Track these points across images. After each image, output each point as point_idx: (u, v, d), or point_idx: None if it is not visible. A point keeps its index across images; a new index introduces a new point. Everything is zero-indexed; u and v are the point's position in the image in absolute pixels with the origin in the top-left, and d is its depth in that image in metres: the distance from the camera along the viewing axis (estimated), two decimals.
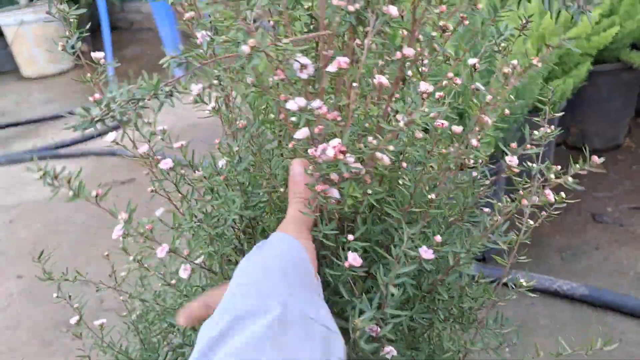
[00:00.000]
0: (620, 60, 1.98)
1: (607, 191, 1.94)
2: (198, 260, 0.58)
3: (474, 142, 0.56)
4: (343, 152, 0.37)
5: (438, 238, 0.50)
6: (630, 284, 1.54)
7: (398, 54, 0.46)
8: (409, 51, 0.45)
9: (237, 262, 0.60)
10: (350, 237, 0.46)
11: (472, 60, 0.68)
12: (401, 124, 0.36)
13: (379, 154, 0.40)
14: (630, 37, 1.91)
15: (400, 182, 0.56)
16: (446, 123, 0.53)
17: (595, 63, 1.97)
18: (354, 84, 0.43)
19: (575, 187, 0.56)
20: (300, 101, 0.37)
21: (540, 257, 1.67)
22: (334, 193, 0.42)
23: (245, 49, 0.34)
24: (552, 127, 0.70)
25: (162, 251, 0.58)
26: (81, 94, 4.10)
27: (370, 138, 0.40)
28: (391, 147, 0.39)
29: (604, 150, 2.18)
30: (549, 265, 1.63)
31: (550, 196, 0.56)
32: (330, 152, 0.36)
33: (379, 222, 0.56)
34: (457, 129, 0.61)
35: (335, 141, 0.37)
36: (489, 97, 0.59)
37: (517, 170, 0.59)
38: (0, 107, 4.05)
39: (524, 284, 0.64)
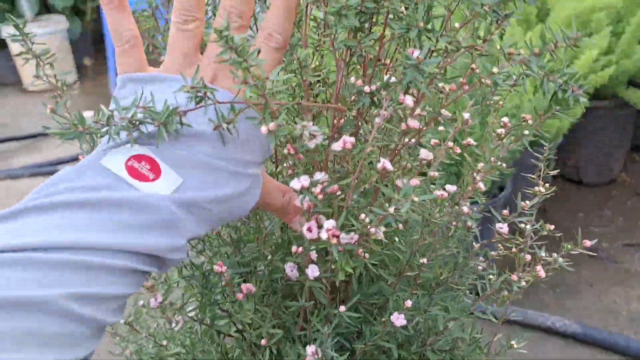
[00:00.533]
0: (617, 97, 2.00)
1: (602, 227, 1.95)
2: (191, 314, 0.59)
3: (465, 209, 0.57)
4: (337, 236, 0.38)
5: (408, 303, 0.50)
6: (623, 324, 1.54)
7: (403, 126, 0.47)
8: (413, 123, 0.46)
9: (228, 312, 0.61)
10: (342, 307, 0.47)
11: (465, 115, 0.70)
12: (391, 210, 0.37)
13: (372, 229, 0.42)
14: (626, 75, 1.93)
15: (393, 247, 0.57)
16: (445, 193, 0.54)
17: (592, 98, 1.99)
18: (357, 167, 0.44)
19: (567, 269, 0.57)
20: (305, 180, 0.37)
21: (533, 292, 1.67)
22: (313, 271, 0.42)
23: (264, 130, 0.35)
24: (547, 184, 0.71)
25: (154, 302, 0.58)
26: (84, 107, 4.12)
27: (362, 215, 0.42)
28: (383, 228, 0.40)
29: (599, 184, 2.19)
30: (542, 301, 1.64)
31: (542, 272, 0.56)
32: (324, 235, 0.37)
33: (372, 283, 0.57)
34: (451, 188, 0.62)
35: (330, 223, 0.38)
36: (480, 165, 0.60)
37: (506, 237, 0.60)
38: (0, 119, 4.07)
39: (515, 345, 0.65)
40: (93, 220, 0.34)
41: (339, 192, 0.41)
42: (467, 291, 0.63)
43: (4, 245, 0.32)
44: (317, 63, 0.59)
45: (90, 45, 5.03)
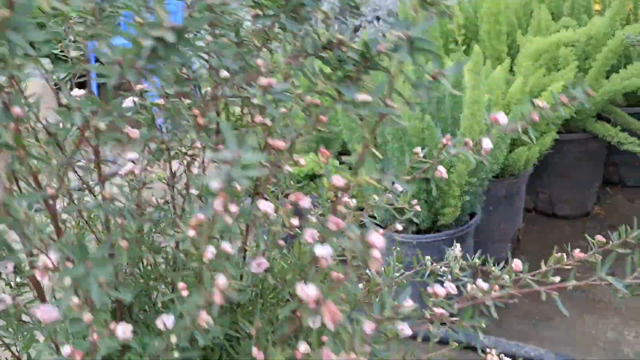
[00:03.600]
0: (586, 130, 2.05)
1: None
2: None
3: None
4: None
5: None
6: (599, 353, 1.53)
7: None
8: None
9: None
10: None
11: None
12: None
13: None
14: (595, 108, 1.98)
15: None
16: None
17: (562, 132, 2.04)
18: None
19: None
20: None
21: (508, 321, 1.66)
22: None
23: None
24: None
25: None
26: None
27: None
28: None
29: (573, 217, 2.21)
30: (517, 331, 1.62)
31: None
32: None
33: None
34: None
35: None
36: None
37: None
38: None
39: None
40: None
41: None
42: None
43: None
44: None
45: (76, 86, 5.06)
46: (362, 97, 0.56)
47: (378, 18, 2.69)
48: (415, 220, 1.48)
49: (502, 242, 1.93)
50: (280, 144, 0.63)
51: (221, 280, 0.44)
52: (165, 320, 0.48)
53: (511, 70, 1.95)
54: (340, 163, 1.76)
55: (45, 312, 0.51)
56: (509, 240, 1.95)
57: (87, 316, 0.47)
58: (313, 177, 1.80)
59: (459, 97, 1.48)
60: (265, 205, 0.55)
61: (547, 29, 2.17)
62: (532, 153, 1.70)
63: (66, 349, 0.49)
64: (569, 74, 1.81)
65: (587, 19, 2.26)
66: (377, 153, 0.61)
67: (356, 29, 2.66)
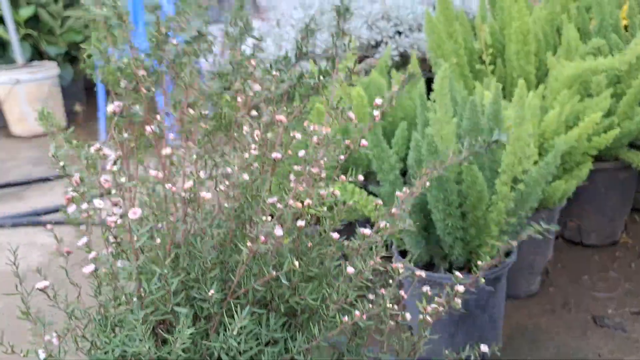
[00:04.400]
0: (618, 158, 1.98)
1: (607, 291, 1.89)
2: None
3: None
4: None
5: None
6: None
7: None
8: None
9: None
10: None
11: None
12: None
13: None
14: (628, 137, 1.91)
15: None
16: None
17: (594, 160, 1.96)
18: None
19: None
20: None
21: (541, 356, 1.59)
22: None
23: None
24: None
25: None
26: (72, 155, 4.05)
27: None
28: None
29: (601, 245, 2.14)
30: None
31: None
32: None
33: None
34: None
35: None
36: None
37: None
38: None
39: None
40: None
41: None
42: None
43: None
44: None
45: (81, 92, 5.01)
46: None
47: (399, 33, 2.62)
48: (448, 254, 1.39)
49: (532, 275, 1.86)
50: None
51: None
52: None
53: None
54: (368, 192, 1.67)
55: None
56: (539, 272, 1.88)
57: None
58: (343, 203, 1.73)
59: (495, 129, 1.41)
60: None
61: (577, 49, 2.10)
62: (569, 186, 1.63)
63: None
64: (604, 102, 1.74)
65: (616, 38, 2.18)
66: None
67: (377, 44, 2.59)
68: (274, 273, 0.71)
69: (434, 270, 1.52)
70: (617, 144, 1.93)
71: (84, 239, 0.75)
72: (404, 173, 1.62)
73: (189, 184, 0.68)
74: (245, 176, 0.75)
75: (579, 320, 1.76)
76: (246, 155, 0.74)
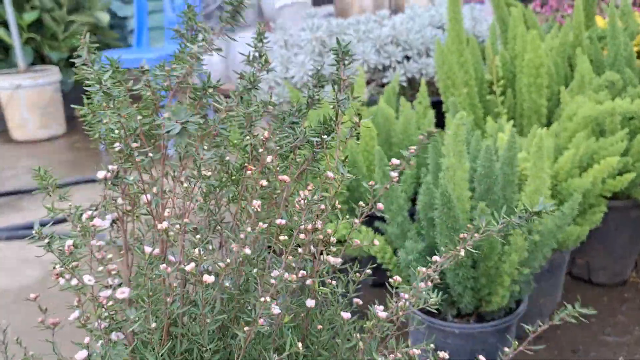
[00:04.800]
0: (630, 197, 1.93)
1: (616, 335, 1.83)
2: None
3: None
4: None
5: None
6: None
7: None
8: None
9: None
10: None
11: None
12: None
13: None
14: None
15: None
16: None
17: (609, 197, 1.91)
18: None
19: None
20: None
21: None
22: None
23: None
24: None
25: None
26: (70, 164, 4.00)
27: None
28: None
29: (610, 285, 2.09)
30: None
31: None
32: None
33: None
34: None
35: None
36: None
37: None
38: None
39: None
40: None
41: None
42: None
43: None
44: None
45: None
46: None
47: (408, 58, 2.57)
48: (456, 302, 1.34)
49: (540, 318, 1.80)
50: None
51: None
52: None
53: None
54: (375, 230, 1.61)
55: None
56: (548, 314, 1.83)
57: None
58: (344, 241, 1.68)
59: (511, 177, 1.36)
60: None
61: (590, 82, 2.05)
62: (582, 231, 1.58)
63: None
64: (620, 144, 1.69)
65: (630, 73, 2.14)
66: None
67: (385, 69, 2.54)
68: (276, 358, 0.66)
69: (440, 317, 1.46)
70: (631, 183, 1.88)
71: (76, 313, 0.70)
72: (411, 214, 1.57)
73: (190, 266, 0.63)
74: (247, 250, 0.69)
75: None
76: (248, 229, 0.68)
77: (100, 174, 0.70)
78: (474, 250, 0.80)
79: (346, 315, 0.74)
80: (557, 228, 1.31)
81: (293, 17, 4.33)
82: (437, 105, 2.30)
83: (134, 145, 0.67)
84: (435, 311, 1.50)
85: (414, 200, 1.63)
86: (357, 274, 0.88)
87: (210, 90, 0.78)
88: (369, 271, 0.88)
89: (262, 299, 0.64)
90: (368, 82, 2.61)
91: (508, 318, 1.39)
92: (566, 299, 2.03)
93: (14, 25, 4.36)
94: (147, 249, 0.66)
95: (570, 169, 1.61)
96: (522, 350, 1.77)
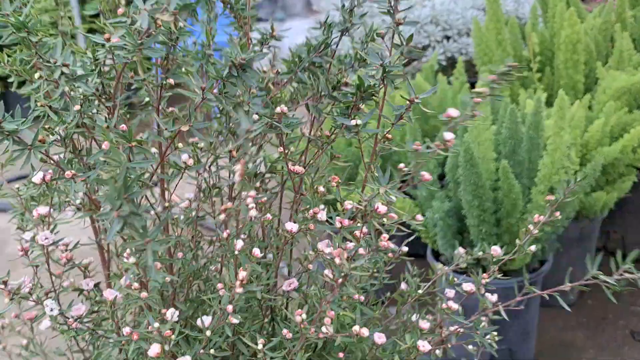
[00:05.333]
0: None
1: None
2: None
3: None
4: None
5: None
6: None
7: None
8: None
9: None
10: None
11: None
12: None
13: None
14: None
15: None
16: None
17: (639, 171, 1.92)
18: None
19: None
20: None
21: None
22: None
23: None
24: None
25: None
26: None
27: None
28: None
29: None
30: None
31: None
32: None
33: None
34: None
35: None
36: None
37: None
38: None
39: None
40: None
41: None
42: None
43: None
44: None
45: None
46: (353, 122, 0.72)
47: (448, 37, 2.62)
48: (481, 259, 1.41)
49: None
50: (299, 169, 0.78)
51: None
52: None
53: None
54: (405, 194, 1.70)
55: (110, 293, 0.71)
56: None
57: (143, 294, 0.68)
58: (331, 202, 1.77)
59: (536, 140, 1.42)
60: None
61: (630, 60, 2.06)
62: (610, 198, 1.61)
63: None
64: None
65: None
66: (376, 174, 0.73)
67: (424, 48, 2.61)
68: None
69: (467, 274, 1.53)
70: None
71: None
72: (441, 177, 1.65)
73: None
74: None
75: (617, 334, 1.74)
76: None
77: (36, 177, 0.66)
78: None
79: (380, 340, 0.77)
80: (579, 189, 1.36)
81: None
82: (474, 86, 2.35)
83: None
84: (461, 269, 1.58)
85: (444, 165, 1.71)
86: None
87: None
88: (405, 248, 0.92)
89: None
90: (407, 63, 2.67)
91: (530, 276, 1.45)
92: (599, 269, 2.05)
93: (77, 16, 4.64)
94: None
95: (601, 138, 1.65)
96: (553, 316, 1.82)
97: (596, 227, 1.77)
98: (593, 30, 2.29)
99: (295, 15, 5.17)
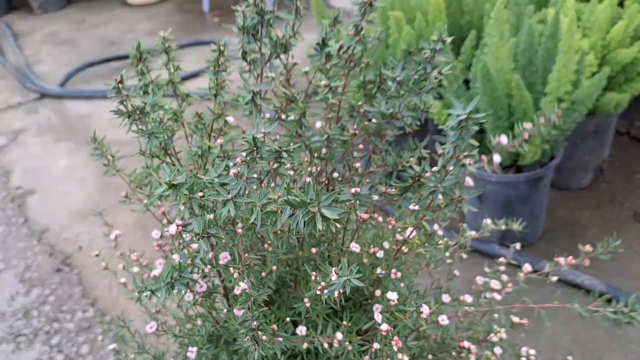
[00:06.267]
0: None
1: None
2: None
3: None
4: None
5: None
6: None
7: None
8: None
9: None
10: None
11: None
12: None
13: None
14: None
15: None
16: None
17: None
18: None
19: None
20: None
21: (573, 250, 1.85)
22: None
23: None
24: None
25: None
26: (181, 26, 4.41)
27: None
28: None
29: None
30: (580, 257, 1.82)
31: None
32: None
33: None
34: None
35: None
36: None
37: None
38: (109, 35, 4.45)
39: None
40: None
41: None
42: None
43: None
44: None
45: None
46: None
47: None
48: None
49: (583, 171, 2.05)
50: None
51: None
52: None
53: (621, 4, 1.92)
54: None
55: None
56: (591, 169, 2.07)
57: None
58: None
59: (552, 49, 1.56)
60: None
61: None
62: (622, 97, 1.75)
63: None
64: None
65: None
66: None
67: None
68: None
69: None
70: None
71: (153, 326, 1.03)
72: (467, 81, 1.82)
73: None
74: None
75: (620, 215, 1.97)
76: None
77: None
78: None
79: None
80: (587, 97, 1.53)
81: None
82: None
83: None
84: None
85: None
86: None
87: None
88: None
89: None
90: None
91: (539, 170, 1.67)
92: (618, 157, 2.23)
93: None
94: None
95: (622, 39, 1.75)
96: (566, 198, 2.05)
97: (612, 121, 1.93)
98: None
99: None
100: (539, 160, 1.72)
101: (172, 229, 0.71)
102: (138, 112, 0.78)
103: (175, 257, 0.87)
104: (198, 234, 0.65)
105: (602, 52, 1.77)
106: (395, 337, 0.68)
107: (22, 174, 2.82)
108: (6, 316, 1.99)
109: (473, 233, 1.09)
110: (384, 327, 0.70)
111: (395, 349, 0.68)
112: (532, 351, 0.96)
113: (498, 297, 0.96)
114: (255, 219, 0.63)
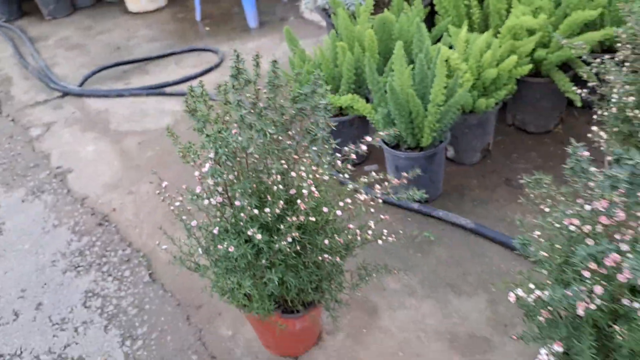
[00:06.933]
0: (549, 76, 2.89)
1: (524, 164, 2.94)
2: None
3: None
4: None
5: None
6: (506, 227, 2.59)
7: None
8: None
9: None
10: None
11: None
12: None
13: None
14: (558, 60, 2.80)
15: None
16: None
17: (534, 75, 2.89)
18: None
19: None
20: None
21: (461, 203, 2.73)
22: None
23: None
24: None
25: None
26: (176, 33, 5.18)
27: None
28: None
29: (537, 133, 3.13)
30: (463, 209, 2.70)
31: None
32: None
33: None
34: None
35: None
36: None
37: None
38: (115, 41, 5.21)
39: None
40: None
41: None
42: None
43: None
44: None
45: None
46: None
47: None
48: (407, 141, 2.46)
49: (473, 152, 2.93)
50: None
51: None
52: None
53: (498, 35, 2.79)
54: (366, 100, 2.89)
55: None
56: (479, 150, 2.94)
57: None
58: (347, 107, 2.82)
59: (434, 73, 2.41)
60: None
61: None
62: (490, 101, 2.63)
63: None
64: (529, 44, 2.64)
65: None
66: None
67: None
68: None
69: (398, 149, 2.63)
70: (549, 65, 2.83)
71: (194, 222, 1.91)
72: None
73: None
74: None
75: (496, 181, 2.85)
76: None
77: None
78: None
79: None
80: (454, 104, 2.39)
81: None
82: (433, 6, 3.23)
83: None
84: (394, 146, 2.64)
85: None
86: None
87: None
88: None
89: None
90: None
91: (431, 150, 2.54)
92: (503, 142, 3.12)
93: None
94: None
95: (491, 62, 2.62)
96: (463, 170, 2.92)
97: (490, 117, 2.80)
98: None
99: None
100: (432, 143, 2.58)
101: (207, 167, 1.55)
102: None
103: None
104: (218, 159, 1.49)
105: (478, 71, 2.64)
106: (299, 201, 1.53)
107: (59, 156, 3.62)
108: (66, 255, 2.80)
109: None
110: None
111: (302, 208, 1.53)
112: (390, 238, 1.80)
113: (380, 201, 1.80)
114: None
